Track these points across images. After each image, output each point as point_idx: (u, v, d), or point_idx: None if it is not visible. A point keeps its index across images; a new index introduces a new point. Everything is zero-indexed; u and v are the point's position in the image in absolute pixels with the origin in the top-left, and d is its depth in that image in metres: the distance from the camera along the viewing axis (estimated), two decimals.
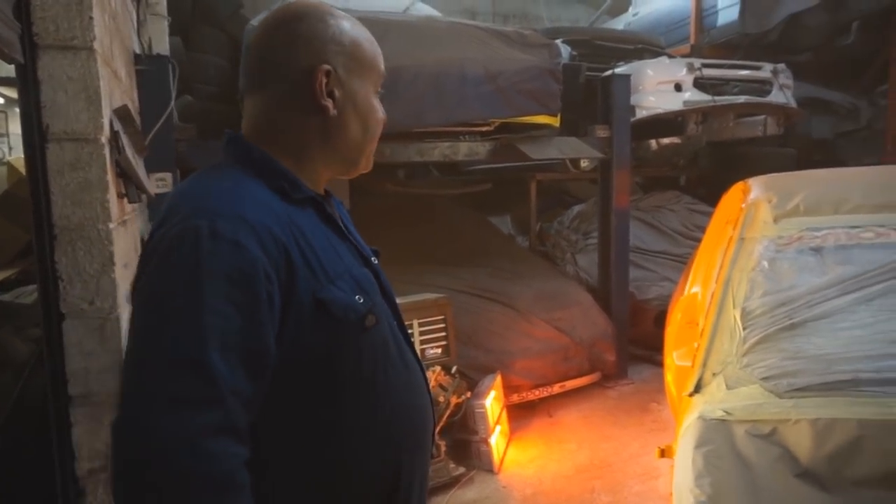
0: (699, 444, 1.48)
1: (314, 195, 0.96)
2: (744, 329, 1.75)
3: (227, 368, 0.75)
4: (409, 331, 3.51)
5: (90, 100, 1.55)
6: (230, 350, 0.76)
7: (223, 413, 0.75)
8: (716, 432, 1.50)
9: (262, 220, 0.83)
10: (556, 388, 4.18)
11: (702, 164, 6.53)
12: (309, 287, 0.86)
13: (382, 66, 1.03)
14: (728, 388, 1.65)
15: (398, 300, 3.79)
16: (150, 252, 0.83)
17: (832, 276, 1.78)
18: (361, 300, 0.91)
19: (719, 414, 1.55)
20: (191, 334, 0.75)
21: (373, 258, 1.06)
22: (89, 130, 1.57)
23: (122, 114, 1.85)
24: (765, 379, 1.60)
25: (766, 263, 1.91)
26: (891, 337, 1.57)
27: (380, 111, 1.02)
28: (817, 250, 1.90)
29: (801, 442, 1.43)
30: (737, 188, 2.51)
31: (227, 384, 0.75)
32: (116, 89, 1.93)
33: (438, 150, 4.04)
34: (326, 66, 0.94)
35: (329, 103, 0.95)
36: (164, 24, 3.55)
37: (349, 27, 0.98)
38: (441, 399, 3.21)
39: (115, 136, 1.73)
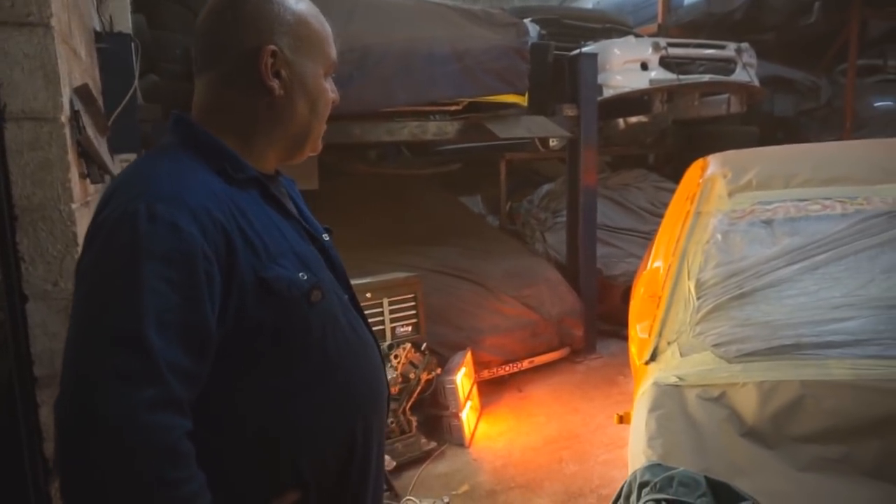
0: (653, 409, 1.55)
1: (257, 175, 0.97)
2: (697, 299, 1.83)
3: (165, 344, 0.78)
4: (380, 309, 3.53)
5: (48, 78, 1.54)
6: (168, 328, 0.78)
7: (162, 387, 0.77)
8: (669, 397, 1.58)
9: (201, 201, 0.85)
10: (526, 364, 4.26)
11: (669, 142, 6.64)
12: (251, 266, 0.88)
13: (333, 48, 1.03)
14: (682, 355, 1.72)
15: (368, 279, 3.80)
16: (93, 234, 0.85)
17: (780, 247, 1.86)
18: (305, 276, 0.94)
19: (672, 380, 1.62)
20: (129, 313, 0.77)
21: (324, 235, 1.08)
22: (48, 109, 1.55)
23: (82, 93, 1.83)
24: (715, 346, 1.68)
25: (719, 236, 1.98)
26: (832, 303, 1.66)
27: (329, 92, 1.03)
28: (768, 223, 1.98)
29: (747, 403, 1.51)
30: (696, 165, 2.58)
31: (165, 360, 0.77)
32: (76, 68, 1.91)
33: (407, 130, 4.05)
34: (272, 47, 0.94)
35: (275, 84, 0.95)
36: (126, 1, 3.47)
37: (296, 6, 0.98)
38: (412, 376, 3.26)
39: (75, 115, 1.71)
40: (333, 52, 1.03)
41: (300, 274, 0.93)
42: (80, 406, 0.75)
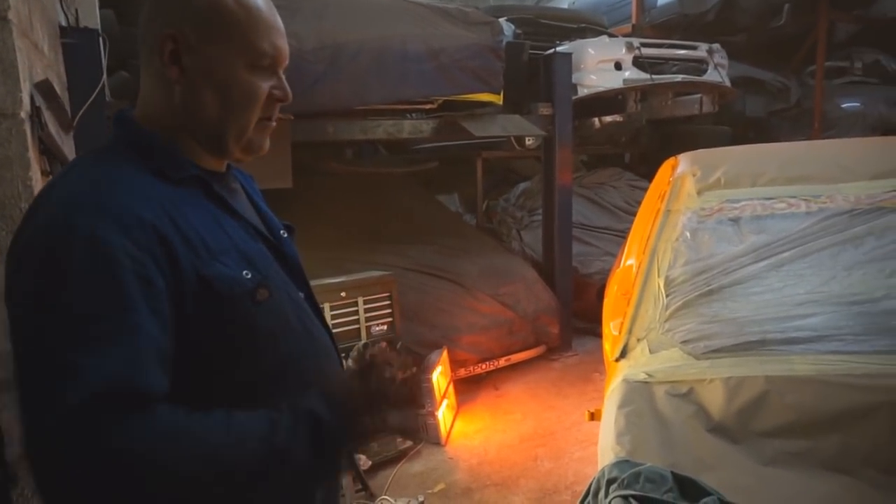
0: (622, 405, 1.56)
1: (198, 174, 0.94)
2: (666, 296, 1.85)
3: (98, 359, 0.75)
4: (355, 308, 3.51)
5: (6, 73, 1.50)
6: (99, 339, 0.76)
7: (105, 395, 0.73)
8: (638, 393, 1.59)
9: (128, 207, 0.82)
10: (502, 362, 4.29)
11: (643, 141, 6.72)
12: (192, 265, 0.86)
13: (267, 37, 0.94)
14: (651, 352, 1.73)
15: (343, 278, 3.76)
16: (15, 253, 0.82)
17: (747, 245, 1.89)
18: (249, 275, 0.91)
19: (642, 377, 1.64)
20: (65, 334, 0.75)
21: (282, 231, 1.06)
22: (7, 105, 1.51)
23: (43, 88, 1.79)
24: (684, 342, 1.69)
25: (688, 234, 2.01)
26: (796, 300, 1.68)
27: (257, 85, 0.94)
28: (735, 221, 2.01)
29: (714, 399, 1.53)
30: (667, 164, 2.61)
31: (100, 374, 0.74)
32: (37, 63, 1.86)
33: (382, 128, 4.04)
34: (171, 31, 0.90)
35: (173, 71, 0.90)
36: None
37: None
38: (387, 375, 3.25)
39: (36, 111, 1.67)
40: (266, 42, 0.94)
41: (244, 272, 0.91)
42: (50, 446, 0.72)
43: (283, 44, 0.97)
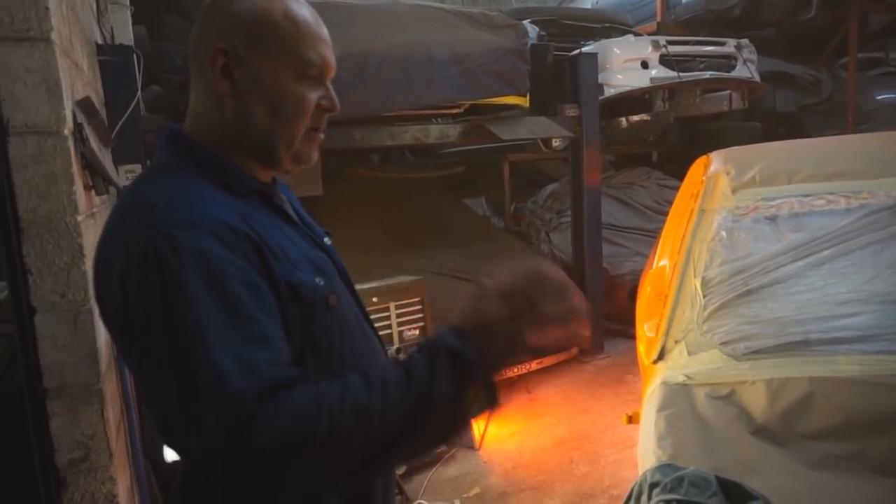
0: (662, 408, 1.55)
1: (260, 187, 0.95)
2: (704, 297, 1.82)
3: (233, 365, 0.76)
4: (387, 313, 3.52)
5: (50, 92, 1.54)
6: (230, 346, 0.77)
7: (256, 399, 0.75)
8: (677, 396, 1.57)
9: (217, 217, 0.83)
10: (534, 365, 4.26)
11: (671, 139, 6.63)
12: (280, 271, 0.87)
13: (315, 49, 0.94)
14: (689, 353, 1.71)
15: (375, 283, 3.78)
16: (122, 282, 0.82)
17: (786, 244, 1.85)
18: (322, 282, 0.93)
19: (681, 379, 1.62)
20: (199, 350, 0.76)
21: (325, 239, 1.07)
22: (51, 123, 1.56)
23: (85, 105, 1.84)
24: (723, 343, 1.67)
25: (724, 233, 1.98)
26: (838, 299, 1.65)
27: (303, 96, 0.94)
28: (772, 219, 1.97)
29: (757, 401, 1.50)
30: (700, 162, 2.57)
31: (243, 374, 0.76)
32: (78, 81, 1.92)
33: (409, 134, 4.06)
34: (222, 44, 0.90)
35: (225, 84, 0.91)
36: (127, 14, 3.50)
37: (261, 3, 0.92)
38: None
39: (78, 128, 1.72)
40: (313, 52, 0.94)
41: (317, 279, 0.92)
42: (221, 447, 0.74)
43: (330, 54, 0.97)
